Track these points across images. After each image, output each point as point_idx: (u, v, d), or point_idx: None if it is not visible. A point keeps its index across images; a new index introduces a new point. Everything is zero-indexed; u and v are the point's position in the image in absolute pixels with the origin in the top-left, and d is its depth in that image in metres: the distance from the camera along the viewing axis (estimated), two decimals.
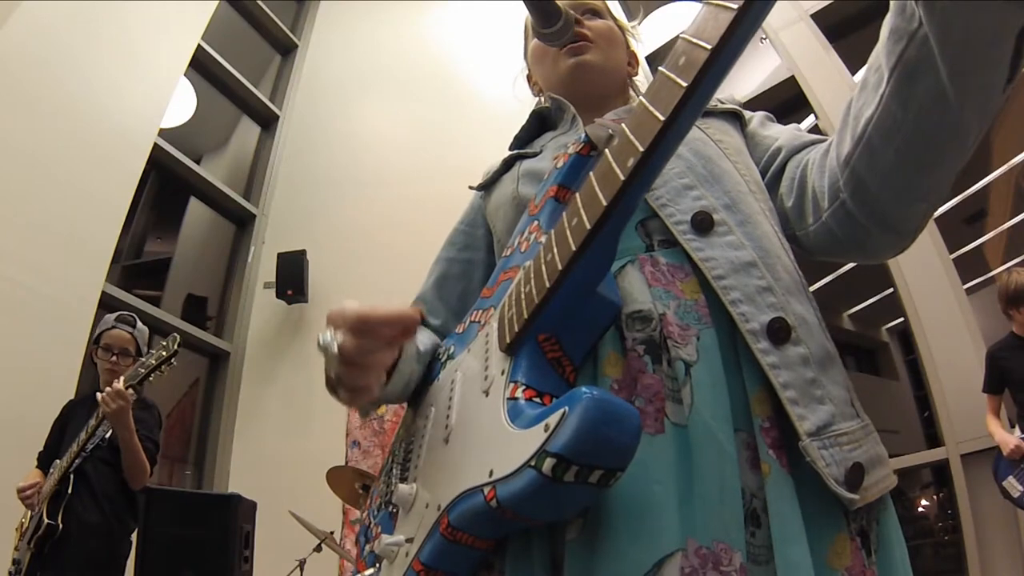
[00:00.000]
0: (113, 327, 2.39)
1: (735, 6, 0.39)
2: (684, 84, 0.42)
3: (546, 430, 0.47)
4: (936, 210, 0.64)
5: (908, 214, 0.64)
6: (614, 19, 0.95)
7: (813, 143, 0.76)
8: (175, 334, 2.19)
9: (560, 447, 0.45)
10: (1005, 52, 0.50)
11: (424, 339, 0.81)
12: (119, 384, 2.07)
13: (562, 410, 0.46)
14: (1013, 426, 2.75)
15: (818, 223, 0.70)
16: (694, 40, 0.43)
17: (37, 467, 2.36)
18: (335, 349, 0.61)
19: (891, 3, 0.53)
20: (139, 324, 2.46)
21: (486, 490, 0.51)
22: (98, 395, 2.11)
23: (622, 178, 0.47)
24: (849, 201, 0.64)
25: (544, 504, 0.49)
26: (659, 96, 0.45)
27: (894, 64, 0.54)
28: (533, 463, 0.47)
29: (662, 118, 0.44)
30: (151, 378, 2.11)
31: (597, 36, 0.89)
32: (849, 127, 0.62)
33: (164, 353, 2.12)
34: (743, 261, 0.65)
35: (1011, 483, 2.65)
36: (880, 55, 0.56)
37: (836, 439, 0.58)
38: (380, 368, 0.67)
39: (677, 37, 0.46)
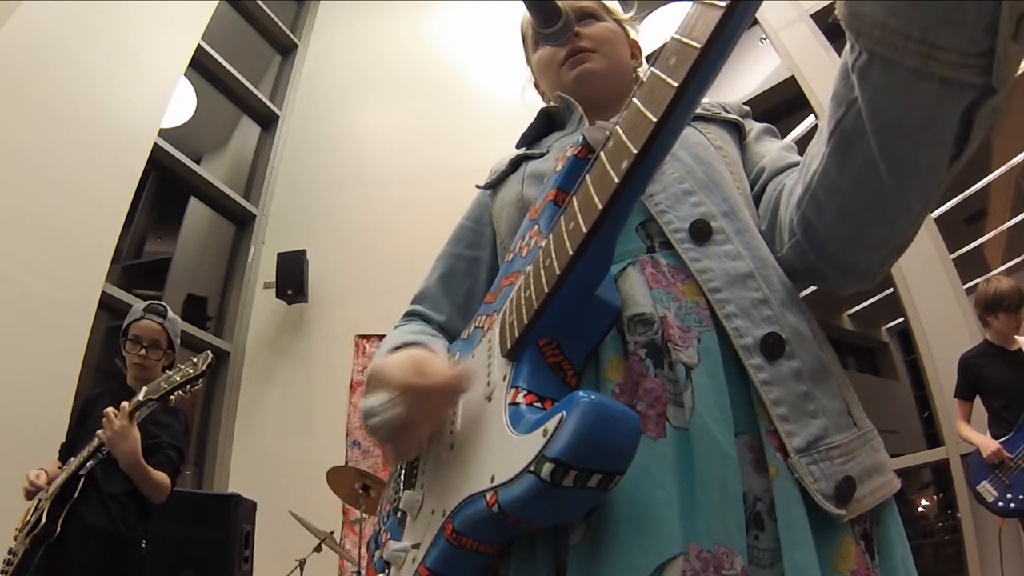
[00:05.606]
0: (142, 318, 2.18)
1: (723, 4, 0.39)
2: (675, 84, 0.42)
3: (544, 435, 0.47)
4: (899, 256, 0.61)
5: (861, 262, 0.62)
6: (610, 14, 0.93)
7: (794, 165, 0.74)
8: (208, 352, 1.98)
9: (558, 452, 0.45)
10: (945, 134, 0.46)
11: (440, 347, 0.80)
12: (123, 419, 1.87)
13: (560, 415, 0.46)
14: (984, 433, 2.76)
15: (782, 252, 0.69)
16: (684, 39, 0.43)
17: (58, 458, 2.22)
18: (390, 415, 0.60)
19: (840, 65, 0.51)
20: (170, 314, 2.24)
21: (488, 495, 0.52)
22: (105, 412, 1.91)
23: (616, 181, 0.47)
24: (802, 241, 0.64)
25: (545, 509, 0.49)
26: (651, 97, 0.45)
27: (832, 128, 0.53)
28: (532, 468, 0.47)
29: (654, 119, 0.43)
30: (173, 396, 1.91)
31: (597, 43, 0.87)
32: (803, 171, 0.61)
33: (192, 372, 1.92)
34: (740, 272, 0.64)
35: (985, 487, 2.65)
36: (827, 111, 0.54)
37: (827, 453, 0.57)
38: (432, 428, 0.66)
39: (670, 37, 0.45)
